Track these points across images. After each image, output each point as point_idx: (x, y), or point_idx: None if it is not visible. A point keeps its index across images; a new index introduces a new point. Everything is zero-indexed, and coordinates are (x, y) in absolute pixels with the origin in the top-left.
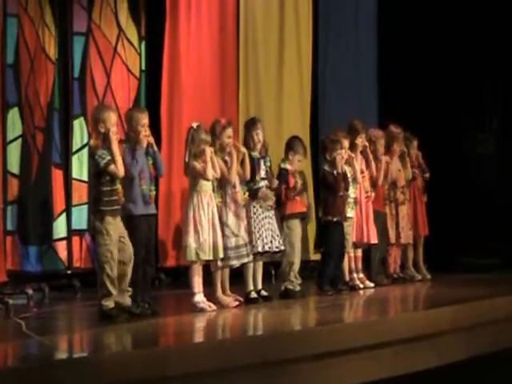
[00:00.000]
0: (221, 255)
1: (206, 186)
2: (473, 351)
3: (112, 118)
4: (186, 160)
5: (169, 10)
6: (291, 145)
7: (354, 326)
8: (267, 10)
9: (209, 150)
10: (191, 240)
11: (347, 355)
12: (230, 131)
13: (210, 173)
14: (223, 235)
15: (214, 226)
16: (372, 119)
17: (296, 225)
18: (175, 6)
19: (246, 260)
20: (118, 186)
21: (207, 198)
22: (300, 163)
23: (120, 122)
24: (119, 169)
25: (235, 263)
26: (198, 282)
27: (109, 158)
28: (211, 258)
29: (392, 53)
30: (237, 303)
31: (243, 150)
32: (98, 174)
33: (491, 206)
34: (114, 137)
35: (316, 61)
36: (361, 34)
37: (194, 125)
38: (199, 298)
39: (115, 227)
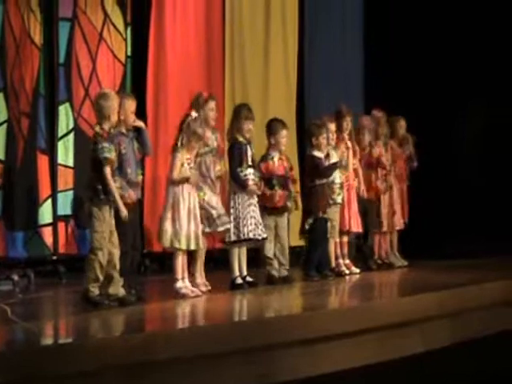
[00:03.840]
0: (200, 246)
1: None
2: (459, 337)
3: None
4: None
5: None
6: (269, 129)
7: (340, 311)
8: None
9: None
10: (168, 226)
11: (333, 341)
12: (212, 104)
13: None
14: (202, 208)
15: (195, 215)
16: (358, 105)
17: (270, 216)
18: None
19: (228, 226)
20: (117, 177)
21: (188, 187)
22: (286, 139)
23: None
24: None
25: (221, 229)
26: (180, 267)
27: (109, 155)
28: (184, 248)
29: (378, 38)
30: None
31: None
32: (99, 163)
33: (476, 192)
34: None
35: (302, 46)
36: (347, 19)
37: (193, 115)
38: (181, 283)
39: (111, 215)
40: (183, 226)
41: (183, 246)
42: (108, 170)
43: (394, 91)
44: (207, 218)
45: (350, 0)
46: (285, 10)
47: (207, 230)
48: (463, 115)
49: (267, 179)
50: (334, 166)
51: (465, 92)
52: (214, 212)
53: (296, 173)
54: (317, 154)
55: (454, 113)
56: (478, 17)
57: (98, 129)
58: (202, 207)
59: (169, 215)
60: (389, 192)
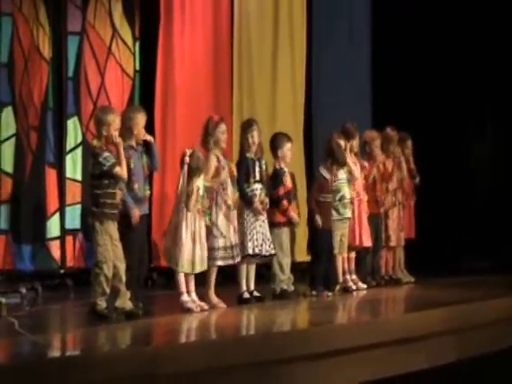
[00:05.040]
0: (197, 270)
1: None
2: (463, 353)
3: (116, 122)
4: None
5: (163, 10)
6: (274, 143)
7: (346, 327)
8: (262, 11)
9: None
10: (171, 249)
11: (339, 356)
12: (223, 127)
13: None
14: (210, 234)
15: (200, 238)
16: (366, 121)
17: (286, 230)
18: (169, 7)
19: (231, 262)
20: (118, 190)
21: (194, 212)
22: (290, 152)
23: None
24: (124, 172)
25: (220, 264)
26: (183, 282)
27: (113, 160)
28: (187, 271)
29: (386, 52)
30: (224, 306)
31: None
32: (100, 176)
33: (482, 209)
34: (120, 141)
35: (310, 62)
36: (354, 32)
37: (187, 152)
38: (186, 297)
39: (113, 229)
40: (185, 251)
41: (186, 270)
42: (119, 170)
43: (403, 106)
44: (211, 248)
45: (358, 13)
46: (293, 24)
47: (217, 262)
48: (475, 131)
49: (287, 193)
50: None
51: (476, 109)
52: (220, 241)
53: (303, 188)
54: (325, 173)
55: (465, 129)
56: (489, 34)
57: (95, 142)
58: (210, 233)
59: (172, 238)
60: (397, 207)
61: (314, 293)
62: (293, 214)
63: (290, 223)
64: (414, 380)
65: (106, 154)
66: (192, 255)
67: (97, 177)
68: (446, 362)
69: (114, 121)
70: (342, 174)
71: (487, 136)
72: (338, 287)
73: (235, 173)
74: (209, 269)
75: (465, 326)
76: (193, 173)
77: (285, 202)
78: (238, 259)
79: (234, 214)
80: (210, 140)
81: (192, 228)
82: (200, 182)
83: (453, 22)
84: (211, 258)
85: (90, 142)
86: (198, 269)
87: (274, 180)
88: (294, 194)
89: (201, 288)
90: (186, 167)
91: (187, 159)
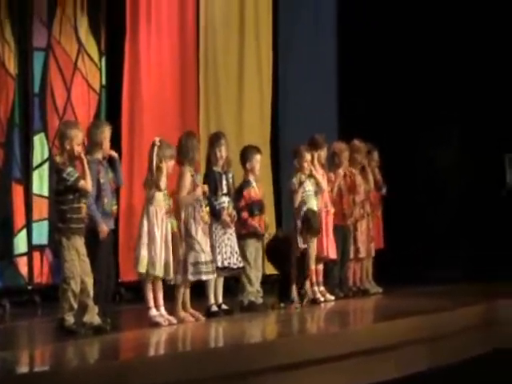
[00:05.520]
0: (171, 274)
1: (160, 201)
2: (433, 362)
3: (79, 137)
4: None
5: (129, 26)
6: (243, 156)
7: (315, 338)
8: (227, 25)
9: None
10: (144, 253)
11: (308, 367)
12: (198, 145)
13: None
14: (192, 249)
15: (167, 242)
16: (332, 133)
17: (251, 243)
18: (135, 22)
19: (211, 276)
20: (84, 205)
21: (162, 213)
22: (259, 163)
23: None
24: (89, 186)
25: (204, 278)
26: (151, 297)
27: (77, 175)
28: (161, 275)
29: (351, 67)
30: (192, 319)
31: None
32: (65, 191)
33: (450, 218)
34: (84, 155)
35: (276, 75)
36: (321, 48)
37: (157, 140)
38: (154, 312)
39: (80, 244)
40: (158, 253)
41: (160, 274)
42: (83, 184)
43: (369, 116)
44: (195, 262)
45: (324, 18)
46: (259, 38)
47: (190, 277)
48: (438, 140)
49: (249, 206)
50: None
51: (440, 115)
52: (202, 256)
53: (270, 201)
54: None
55: (429, 138)
56: (456, 36)
57: (58, 158)
58: (191, 248)
59: (144, 241)
60: (366, 219)
61: (282, 305)
62: (255, 225)
63: (257, 235)
64: None
65: (70, 169)
66: (162, 258)
67: (62, 192)
68: (416, 371)
69: (76, 136)
70: (310, 186)
71: (453, 142)
72: (306, 299)
73: (207, 190)
74: (190, 283)
75: (434, 334)
76: (163, 158)
77: (244, 214)
78: (215, 274)
79: (207, 229)
80: (187, 156)
81: (161, 231)
82: (164, 177)
83: (420, 25)
84: (195, 272)
85: (53, 158)
86: (169, 273)
87: (237, 192)
88: (260, 207)
89: (169, 303)
90: (156, 149)
91: (157, 143)
